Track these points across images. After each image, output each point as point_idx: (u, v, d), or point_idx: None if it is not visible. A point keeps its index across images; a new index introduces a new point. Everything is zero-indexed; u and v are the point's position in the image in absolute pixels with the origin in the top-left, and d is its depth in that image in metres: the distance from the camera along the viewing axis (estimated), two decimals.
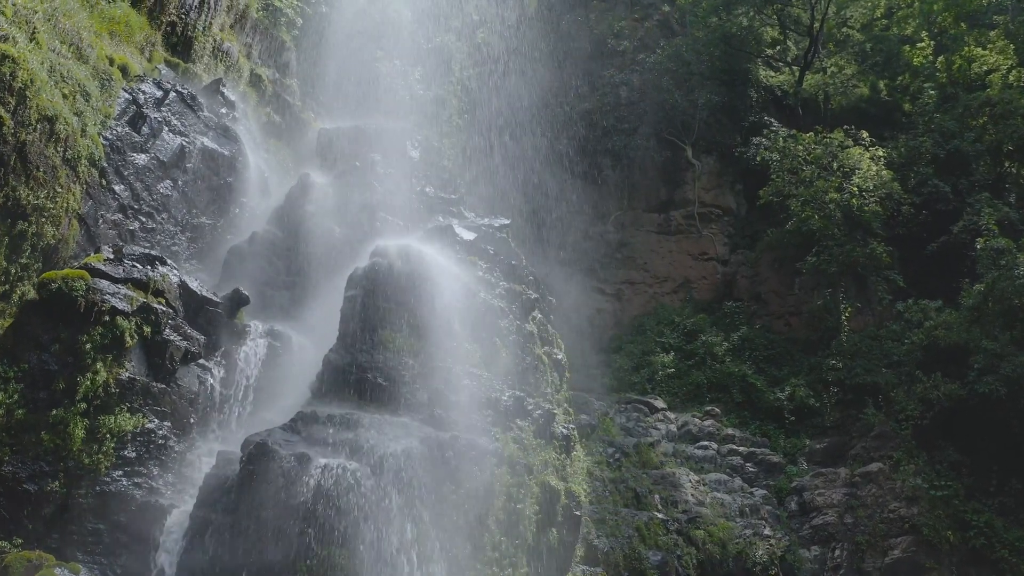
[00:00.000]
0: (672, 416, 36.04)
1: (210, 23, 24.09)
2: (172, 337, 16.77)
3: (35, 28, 17.35)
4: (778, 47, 46.15)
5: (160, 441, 16.10)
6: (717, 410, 36.00)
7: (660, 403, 36.52)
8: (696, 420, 35.35)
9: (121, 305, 16.07)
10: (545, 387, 19.24)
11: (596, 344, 40.67)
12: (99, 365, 15.62)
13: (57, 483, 14.88)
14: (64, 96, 17.75)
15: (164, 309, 16.77)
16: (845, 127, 36.99)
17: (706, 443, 33.98)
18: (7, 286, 16.58)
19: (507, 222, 22.98)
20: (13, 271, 16.67)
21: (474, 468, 15.71)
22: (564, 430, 19.76)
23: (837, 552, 29.72)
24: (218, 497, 14.68)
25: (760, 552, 28.82)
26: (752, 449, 33.88)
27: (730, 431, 34.81)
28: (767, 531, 29.85)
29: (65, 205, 17.67)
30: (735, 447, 34.01)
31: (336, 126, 25.68)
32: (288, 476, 14.14)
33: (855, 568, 29.22)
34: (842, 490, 31.49)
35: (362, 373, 16.21)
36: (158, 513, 15.17)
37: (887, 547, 29.44)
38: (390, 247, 17.99)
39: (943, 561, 28.49)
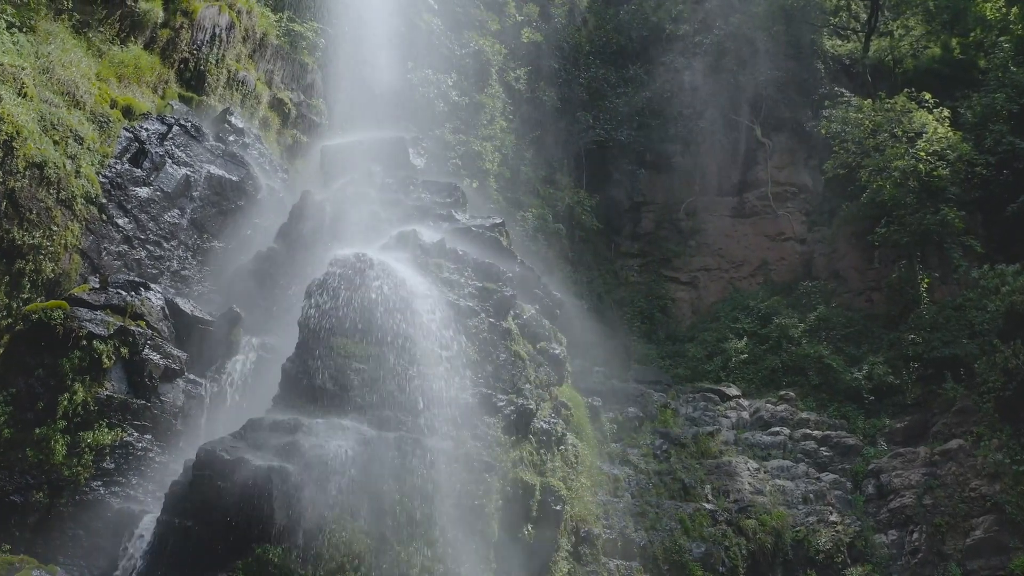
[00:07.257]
0: (745, 403, 35.35)
1: (223, 55, 25.41)
2: (151, 356, 18.05)
3: (23, 83, 19.07)
4: (842, 14, 44.21)
5: (140, 453, 17.42)
6: (792, 394, 35.06)
7: (733, 390, 35.85)
8: (769, 406, 34.54)
9: (98, 330, 17.46)
10: (523, 383, 19.37)
11: (672, 334, 40.28)
12: (78, 385, 17.03)
13: (41, 494, 16.32)
14: (55, 142, 19.39)
15: (142, 331, 18.08)
16: (907, 90, 35.24)
17: (777, 428, 33.16)
18: (9, 320, 18.29)
19: (499, 221, 23.22)
20: (15, 306, 18.37)
21: (419, 466, 16.14)
22: (546, 425, 19.84)
23: (915, 535, 28.67)
24: (179, 503, 15.75)
25: (823, 539, 28.02)
26: (827, 432, 32.81)
27: (805, 415, 33.84)
28: (833, 517, 28.95)
29: (63, 242, 19.31)
30: (809, 431, 33.05)
31: (336, 142, 26.66)
32: (226, 479, 15.06)
33: (935, 551, 28.11)
34: (921, 470, 30.25)
35: (312, 380, 16.96)
36: (131, 519, 16.43)
37: (968, 528, 28.21)
38: (343, 256, 18.68)
39: None
